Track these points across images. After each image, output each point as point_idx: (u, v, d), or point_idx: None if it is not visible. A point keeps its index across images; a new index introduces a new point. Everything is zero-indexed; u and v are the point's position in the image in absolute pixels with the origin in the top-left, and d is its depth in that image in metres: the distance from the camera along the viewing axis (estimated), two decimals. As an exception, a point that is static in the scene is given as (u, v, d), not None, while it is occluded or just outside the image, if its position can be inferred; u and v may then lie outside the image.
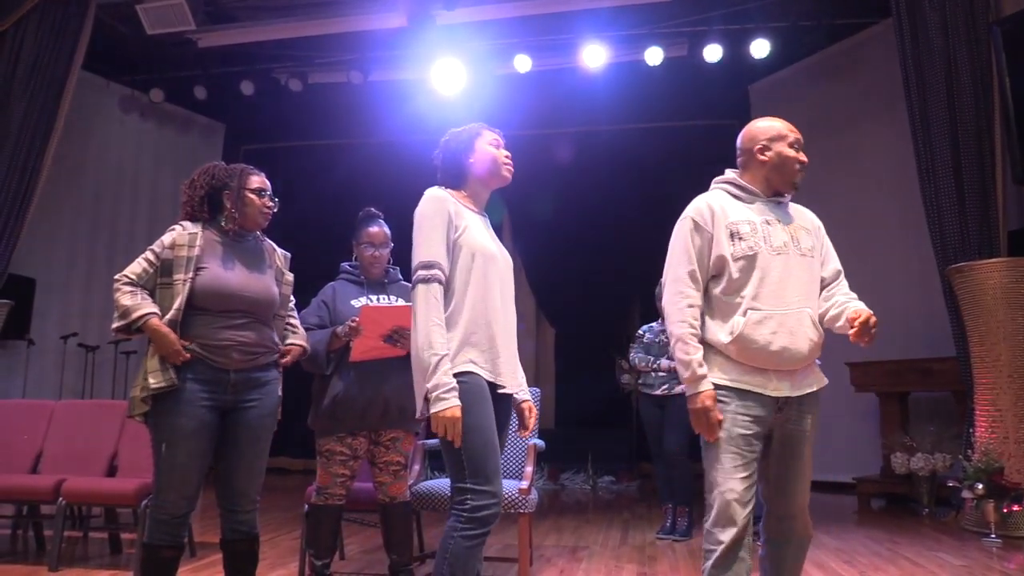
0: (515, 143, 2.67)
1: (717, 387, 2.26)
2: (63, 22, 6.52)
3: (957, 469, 5.20)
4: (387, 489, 3.30)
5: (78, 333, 7.65)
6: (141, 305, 2.53)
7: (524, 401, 2.53)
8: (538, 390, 4.23)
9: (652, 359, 4.90)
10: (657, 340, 4.95)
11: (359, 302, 3.25)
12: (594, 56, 7.33)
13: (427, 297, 2.22)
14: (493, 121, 2.57)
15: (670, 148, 8.69)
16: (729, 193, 2.39)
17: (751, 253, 2.25)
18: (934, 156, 5.52)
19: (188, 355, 2.52)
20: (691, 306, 2.29)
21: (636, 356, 5.02)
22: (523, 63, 7.56)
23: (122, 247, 8.43)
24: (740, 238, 2.27)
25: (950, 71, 5.46)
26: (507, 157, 2.50)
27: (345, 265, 3.45)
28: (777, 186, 2.37)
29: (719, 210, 2.32)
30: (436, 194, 2.38)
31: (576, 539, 4.86)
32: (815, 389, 2.34)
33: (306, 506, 3.40)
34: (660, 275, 5.21)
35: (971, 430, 5.19)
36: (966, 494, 4.89)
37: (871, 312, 2.23)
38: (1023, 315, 4.96)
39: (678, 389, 4.79)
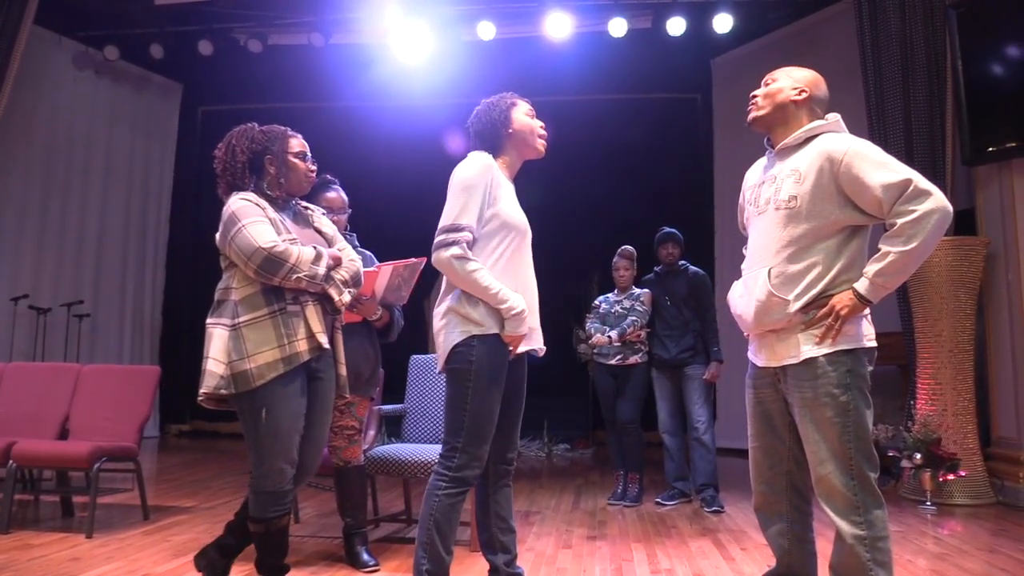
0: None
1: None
2: (12, -27, 6.29)
3: (899, 440, 5.39)
4: (341, 453, 3.33)
5: (28, 295, 7.48)
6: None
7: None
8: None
9: (607, 329, 4.94)
10: (613, 311, 5.02)
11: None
12: (558, 25, 7.30)
13: (453, 261, 2.27)
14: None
15: (633, 119, 8.72)
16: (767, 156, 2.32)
17: (746, 219, 2.32)
18: (887, 136, 5.63)
19: None
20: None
21: (592, 326, 5.08)
22: (487, 30, 7.51)
23: (75, 207, 8.23)
24: (742, 207, 2.37)
25: (906, 52, 5.56)
26: (542, 127, 2.54)
27: (302, 231, 3.43)
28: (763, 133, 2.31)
29: (745, 180, 2.39)
30: (484, 160, 2.39)
31: (529, 504, 4.95)
32: (792, 363, 2.10)
33: (261, 470, 3.41)
34: (619, 245, 5.26)
35: (912, 402, 5.37)
36: (905, 463, 5.07)
37: (833, 306, 2.04)
38: (965, 292, 5.14)
39: (631, 359, 4.88)
